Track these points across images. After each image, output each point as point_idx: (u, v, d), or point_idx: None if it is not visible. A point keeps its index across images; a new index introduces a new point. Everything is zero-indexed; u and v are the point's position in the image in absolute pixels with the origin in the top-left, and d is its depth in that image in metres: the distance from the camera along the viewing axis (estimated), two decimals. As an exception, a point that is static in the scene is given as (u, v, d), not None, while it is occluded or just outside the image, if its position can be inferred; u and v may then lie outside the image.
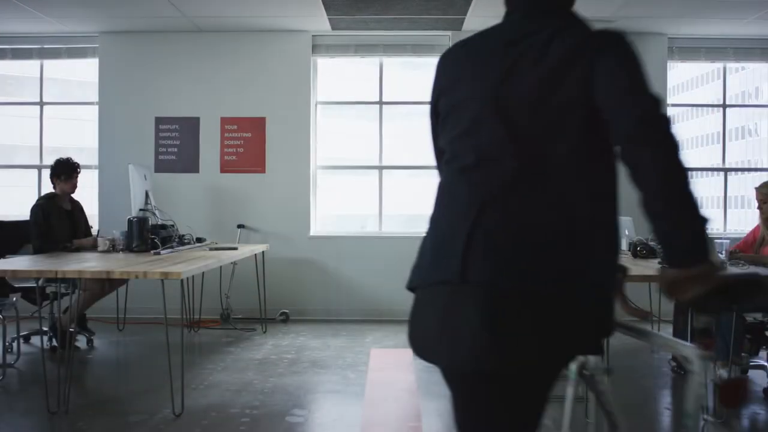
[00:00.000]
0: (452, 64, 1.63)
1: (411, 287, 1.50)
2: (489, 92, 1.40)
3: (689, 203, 1.29)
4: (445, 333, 1.36)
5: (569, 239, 1.34)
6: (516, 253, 1.31)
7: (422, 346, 1.49)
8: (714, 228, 6.63)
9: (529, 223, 1.33)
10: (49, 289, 4.53)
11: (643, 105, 1.31)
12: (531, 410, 1.42)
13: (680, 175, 1.29)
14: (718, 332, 3.77)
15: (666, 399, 3.98)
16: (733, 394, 1.48)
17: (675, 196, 1.30)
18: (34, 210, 4.82)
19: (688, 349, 1.45)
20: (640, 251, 4.18)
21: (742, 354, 3.95)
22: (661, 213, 1.32)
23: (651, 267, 3.66)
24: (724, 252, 3.72)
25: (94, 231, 5.57)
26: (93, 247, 4.74)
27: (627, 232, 4.91)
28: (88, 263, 3.78)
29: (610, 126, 1.33)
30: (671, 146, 1.29)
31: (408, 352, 4.90)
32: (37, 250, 4.68)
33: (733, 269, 3.49)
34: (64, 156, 4.99)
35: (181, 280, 3.38)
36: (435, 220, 1.48)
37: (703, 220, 1.29)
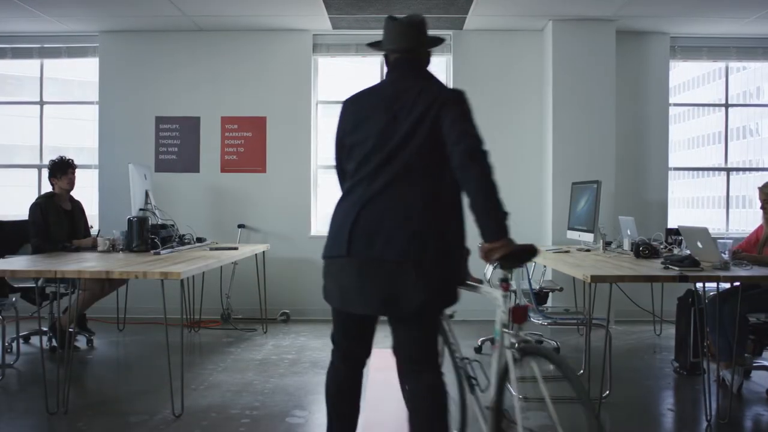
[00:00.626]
0: (352, 113, 2.33)
1: (323, 257, 2.29)
2: (378, 135, 2.21)
3: (496, 205, 2.14)
4: (375, 288, 2.16)
5: (424, 232, 2.16)
6: (375, 238, 2.13)
7: (339, 300, 2.27)
8: (716, 228, 6.61)
9: (394, 220, 2.14)
10: (48, 289, 4.51)
11: (469, 143, 2.13)
12: (427, 337, 2.31)
13: (491, 188, 2.12)
14: (722, 333, 3.75)
15: (669, 400, 3.96)
16: (521, 313, 2.29)
17: (488, 201, 2.13)
18: (33, 209, 4.81)
19: (496, 292, 2.37)
20: (642, 251, 4.15)
21: (746, 355, 3.93)
22: (480, 211, 2.15)
23: (655, 267, 3.63)
24: (727, 252, 3.69)
25: (94, 231, 5.56)
26: (93, 247, 4.73)
27: (629, 232, 4.88)
28: (87, 263, 3.76)
29: (450, 154, 2.14)
30: (486, 170, 2.12)
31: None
32: (36, 250, 4.66)
33: (737, 269, 3.46)
34: (58, 156, 4.99)
35: (181, 281, 3.36)
36: (335, 215, 2.28)
37: (505, 214, 2.17)
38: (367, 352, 2.50)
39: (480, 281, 2.76)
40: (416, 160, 2.18)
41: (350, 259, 2.17)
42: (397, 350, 2.35)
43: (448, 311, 2.52)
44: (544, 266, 5.09)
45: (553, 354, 2.37)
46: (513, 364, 2.32)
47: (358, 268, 2.17)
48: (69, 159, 4.98)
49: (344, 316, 2.37)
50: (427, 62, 2.39)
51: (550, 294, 5.22)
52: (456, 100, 2.21)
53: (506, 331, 2.31)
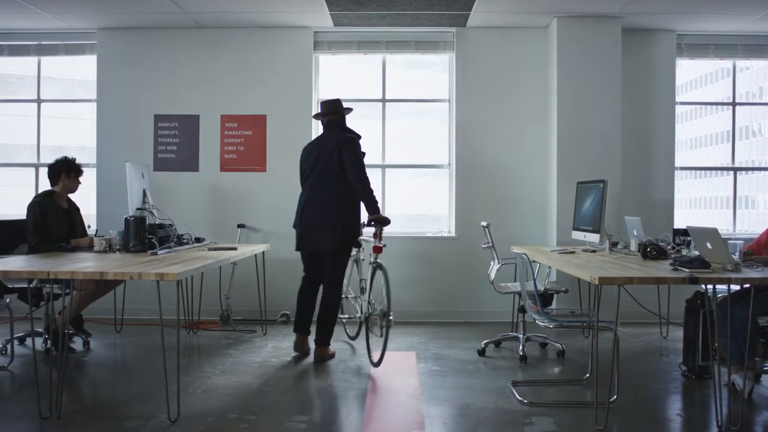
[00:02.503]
0: (307, 151, 4.77)
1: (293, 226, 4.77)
2: (314, 164, 4.63)
3: (371, 198, 4.48)
4: (313, 241, 4.59)
5: (335, 213, 4.49)
6: (316, 217, 4.57)
7: (307, 245, 4.65)
8: (723, 229, 6.51)
9: (322, 206, 4.53)
10: (45, 290, 4.42)
11: (357, 169, 4.48)
12: (339, 269, 4.65)
13: (368, 191, 4.47)
14: (732, 337, 3.65)
15: (677, 405, 3.86)
16: (379, 249, 4.53)
17: (366, 196, 4.47)
18: (32, 206, 4.72)
19: (370, 240, 4.69)
20: (650, 252, 4.05)
21: (756, 358, 3.84)
22: (365, 201, 4.48)
23: (663, 269, 3.54)
24: (737, 253, 3.60)
25: (91, 231, 5.48)
26: (90, 247, 4.64)
27: (636, 233, 4.79)
28: (82, 263, 3.68)
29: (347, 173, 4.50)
30: (366, 183, 4.49)
31: (411, 355, 4.79)
32: (33, 249, 4.57)
33: (748, 271, 3.37)
34: (71, 156, 4.95)
35: (178, 282, 3.27)
36: (300, 206, 4.69)
37: (375, 201, 4.51)
38: (318, 275, 4.74)
39: (360, 244, 4.96)
40: (331, 176, 4.55)
41: (302, 226, 4.66)
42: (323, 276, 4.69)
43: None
44: (549, 267, 5.00)
45: (384, 267, 4.47)
46: (371, 277, 4.60)
47: (307, 230, 4.64)
48: (80, 164, 4.95)
49: (305, 254, 4.78)
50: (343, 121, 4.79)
51: (555, 295, 5.14)
52: (349, 141, 4.58)
53: (372, 260, 4.58)
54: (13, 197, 6.38)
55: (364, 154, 4.65)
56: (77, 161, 4.92)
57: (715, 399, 3.28)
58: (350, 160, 4.43)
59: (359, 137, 4.67)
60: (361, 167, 4.48)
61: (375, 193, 4.54)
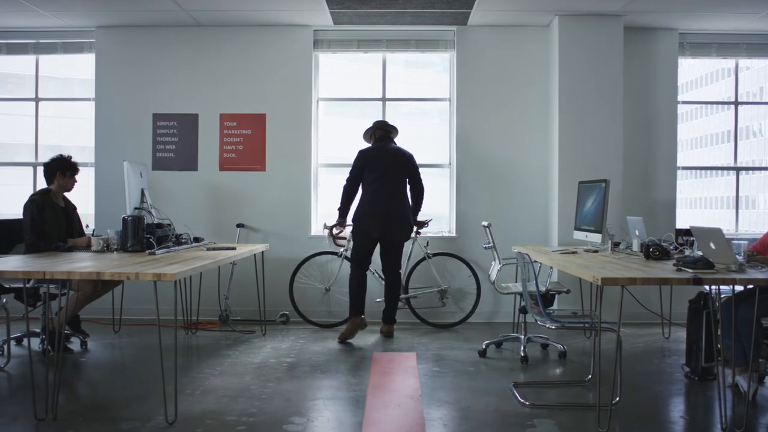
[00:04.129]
0: (373, 157, 5.53)
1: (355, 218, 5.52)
2: (386, 169, 5.49)
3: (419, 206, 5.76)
4: (392, 230, 5.45)
5: (407, 210, 5.51)
6: (396, 212, 5.42)
7: (385, 233, 5.42)
8: (725, 229, 6.45)
9: (398, 204, 5.45)
10: (42, 290, 4.38)
11: (421, 182, 5.64)
12: (400, 254, 5.62)
13: (421, 198, 5.74)
14: (736, 338, 3.61)
15: (680, 407, 3.82)
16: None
17: (422, 203, 5.71)
18: (29, 204, 4.68)
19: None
20: (653, 252, 4.01)
21: (760, 360, 3.80)
22: (420, 205, 5.72)
23: (667, 269, 3.50)
24: (741, 253, 3.55)
25: (89, 230, 5.45)
26: (87, 247, 4.60)
27: (638, 233, 4.75)
28: (78, 263, 3.64)
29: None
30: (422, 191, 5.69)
31: (412, 356, 4.74)
32: (30, 248, 4.53)
33: (753, 272, 3.33)
34: (68, 154, 4.91)
35: (175, 282, 3.23)
36: (370, 201, 5.43)
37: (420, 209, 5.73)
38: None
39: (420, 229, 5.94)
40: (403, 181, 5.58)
41: (380, 218, 5.39)
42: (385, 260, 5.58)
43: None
44: (551, 267, 4.96)
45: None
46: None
47: (387, 222, 5.40)
48: (76, 162, 4.90)
49: (370, 242, 5.48)
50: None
51: (556, 296, 5.10)
52: (412, 157, 5.65)
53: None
54: (11, 196, 6.34)
55: None
56: (73, 159, 4.89)
57: (720, 401, 3.24)
58: (418, 175, 5.60)
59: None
60: (421, 184, 5.68)
61: None
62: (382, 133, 5.62)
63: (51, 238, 4.61)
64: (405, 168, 5.53)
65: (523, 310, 4.63)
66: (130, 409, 3.53)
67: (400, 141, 5.70)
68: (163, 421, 3.24)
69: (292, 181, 6.27)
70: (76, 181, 4.92)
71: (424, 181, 5.63)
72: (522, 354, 4.62)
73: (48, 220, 4.66)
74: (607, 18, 5.83)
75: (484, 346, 4.86)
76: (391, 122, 5.79)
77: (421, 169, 5.64)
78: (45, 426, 3.20)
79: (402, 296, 5.86)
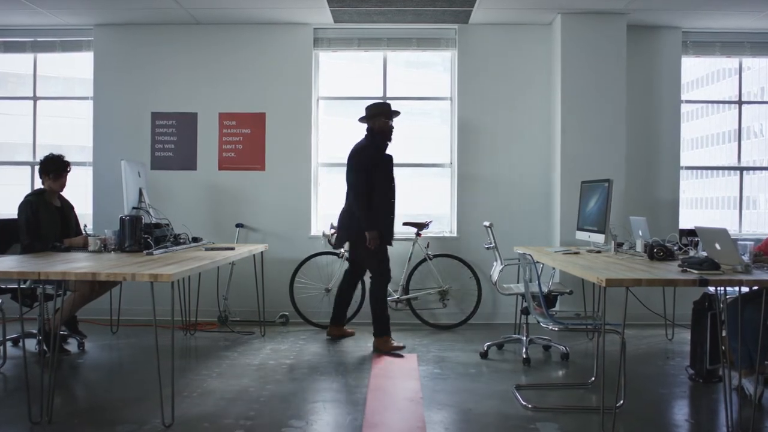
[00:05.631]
0: (382, 158, 5.02)
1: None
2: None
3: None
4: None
5: (346, 217, 5.14)
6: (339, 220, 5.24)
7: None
8: (729, 230, 6.40)
9: (342, 212, 5.23)
10: (38, 291, 4.33)
11: (347, 176, 5.07)
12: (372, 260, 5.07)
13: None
14: (742, 340, 3.56)
15: (685, 410, 3.76)
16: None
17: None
18: (23, 205, 4.64)
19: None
20: (657, 253, 3.95)
21: (766, 362, 3.74)
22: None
23: (672, 270, 3.44)
24: (747, 254, 3.50)
25: (88, 230, 5.38)
26: (84, 247, 4.55)
27: (641, 233, 4.70)
28: (74, 264, 3.59)
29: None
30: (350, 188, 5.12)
31: (413, 357, 4.70)
32: (26, 248, 4.48)
33: (759, 273, 3.27)
34: (57, 154, 4.81)
35: (172, 283, 3.18)
36: (386, 205, 4.99)
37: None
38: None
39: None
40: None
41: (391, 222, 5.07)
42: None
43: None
44: (553, 268, 4.90)
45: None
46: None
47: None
48: (66, 161, 4.82)
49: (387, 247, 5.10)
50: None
51: (559, 297, 5.04)
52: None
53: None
54: (9, 196, 6.28)
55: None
56: (63, 158, 4.80)
57: (725, 404, 3.19)
58: (348, 171, 5.14)
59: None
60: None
61: None
62: (370, 123, 5.24)
63: (47, 238, 4.56)
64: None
65: (525, 312, 4.58)
66: (127, 411, 3.47)
67: (399, 141, 5.61)
68: (160, 424, 3.19)
69: (292, 180, 6.22)
70: (65, 181, 4.83)
71: (356, 179, 5.01)
72: (524, 356, 4.57)
73: (43, 221, 4.61)
74: (609, 16, 5.78)
75: (485, 348, 4.81)
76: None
77: (421, 169, 5.60)
78: (39, 429, 3.14)
79: (403, 297, 5.85)
